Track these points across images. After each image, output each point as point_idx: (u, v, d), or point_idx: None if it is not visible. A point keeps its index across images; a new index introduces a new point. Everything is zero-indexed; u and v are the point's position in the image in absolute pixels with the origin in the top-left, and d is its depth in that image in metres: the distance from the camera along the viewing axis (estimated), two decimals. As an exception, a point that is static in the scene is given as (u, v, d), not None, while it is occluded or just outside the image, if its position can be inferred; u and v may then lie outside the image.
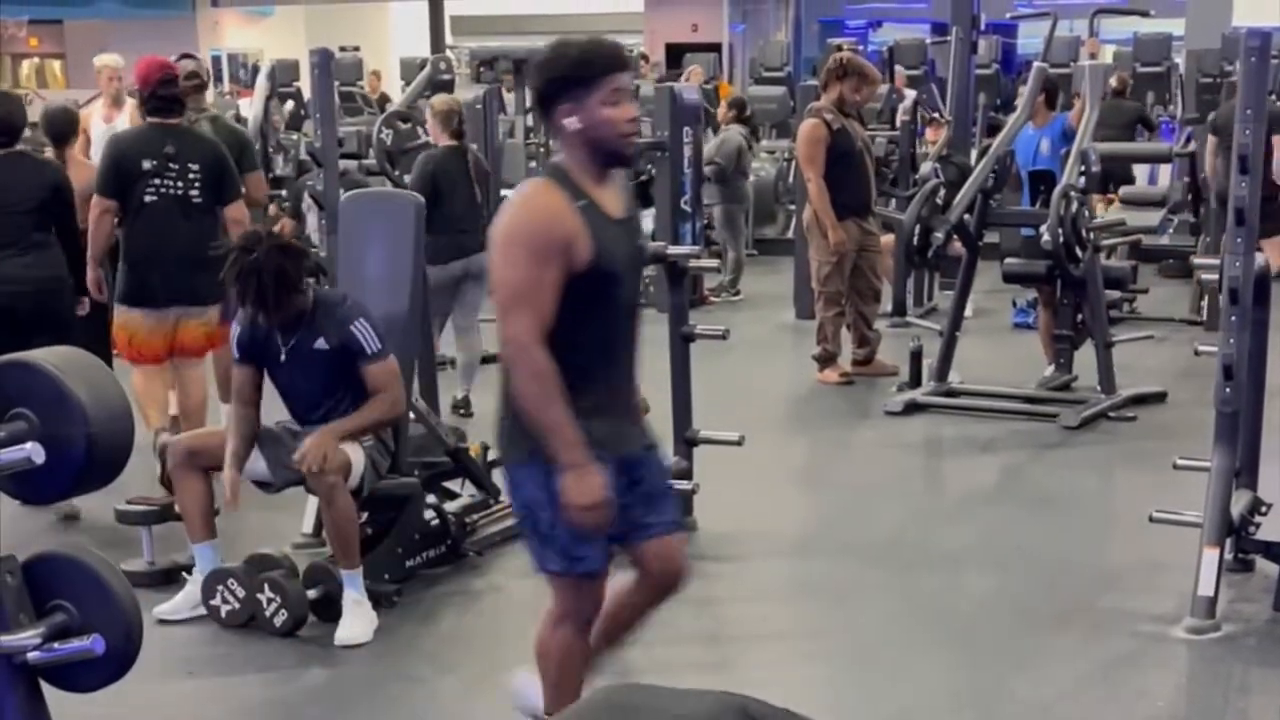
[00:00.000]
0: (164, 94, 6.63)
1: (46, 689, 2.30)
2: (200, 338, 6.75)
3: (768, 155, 14.88)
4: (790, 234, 12.63)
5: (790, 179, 13.31)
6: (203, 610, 5.18)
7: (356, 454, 5.09)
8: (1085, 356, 8.37)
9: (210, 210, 6.65)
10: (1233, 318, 5.22)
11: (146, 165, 6.52)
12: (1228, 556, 5.26)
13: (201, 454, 5.15)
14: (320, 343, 5.04)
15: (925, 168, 9.32)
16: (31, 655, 2.21)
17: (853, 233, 8.71)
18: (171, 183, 6.55)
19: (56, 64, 28.00)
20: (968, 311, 9.01)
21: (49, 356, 2.22)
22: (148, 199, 6.52)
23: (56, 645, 2.22)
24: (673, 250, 6.21)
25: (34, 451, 2.12)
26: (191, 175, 6.58)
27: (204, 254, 6.15)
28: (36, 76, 27.61)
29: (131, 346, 6.67)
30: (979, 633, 5.05)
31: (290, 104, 14.96)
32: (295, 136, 13.35)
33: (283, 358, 5.09)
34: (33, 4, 23.70)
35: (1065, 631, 5.12)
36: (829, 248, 8.66)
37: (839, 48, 13.08)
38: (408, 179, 8.66)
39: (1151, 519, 5.39)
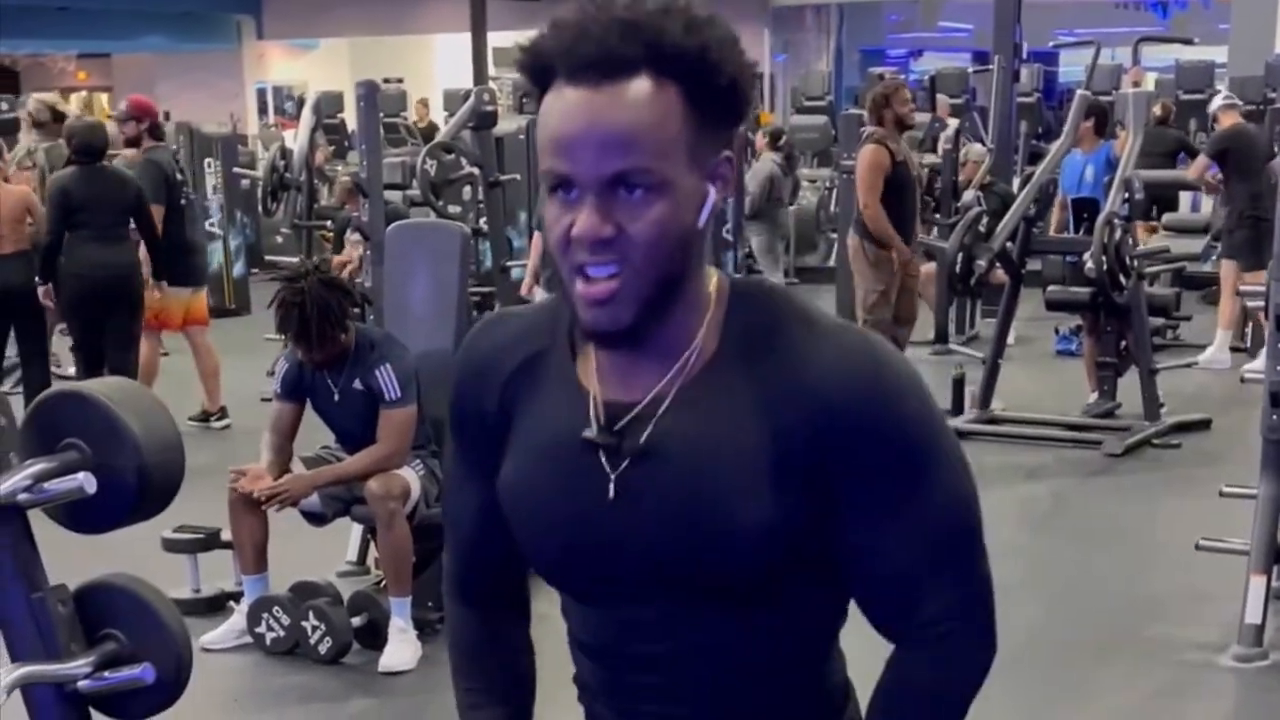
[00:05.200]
0: (161, 125, 8.76)
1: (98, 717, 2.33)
2: (205, 308, 8.68)
3: (809, 184, 14.88)
4: (832, 262, 12.63)
5: (832, 207, 13.31)
6: (248, 638, 5.21)
7: (414, 480, 5.11)
8: (1129, 383, 8.33)
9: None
10: (1279, 344, 5.19)
11: (179, 177, 8.41)
12: (1275, 584, 5.22)
13: None
14: (358, 383, 5.07)
15: (968, 196, 9.33)
16: (82, 684, 2.23)
17: (901, 260, 8.68)
18: (190, 190, 8.75)
19: (104, 97, 28.29)
20: (1010, 339, 8.99)
21: (101, 387, 2.24)
22: (183, 202, 8.38)
23: (107, 674, 2.23)
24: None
25: (86, 481, 2.15)
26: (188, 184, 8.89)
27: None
28: (84, 109, 27.90)
29: (159, 319, 8.26)
30: (1024, 663, 5.02)
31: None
32: (340, 168, 13.46)
33: (336, 398, 5.12)
34: (81, 38, 23.96)
35: (1111, 661, 5.10)
36: (876, 276, 8.61)
37: (880, 77, 13.10)
38: (452, 209, 8.73)
39: (1198, 546, 5.36)
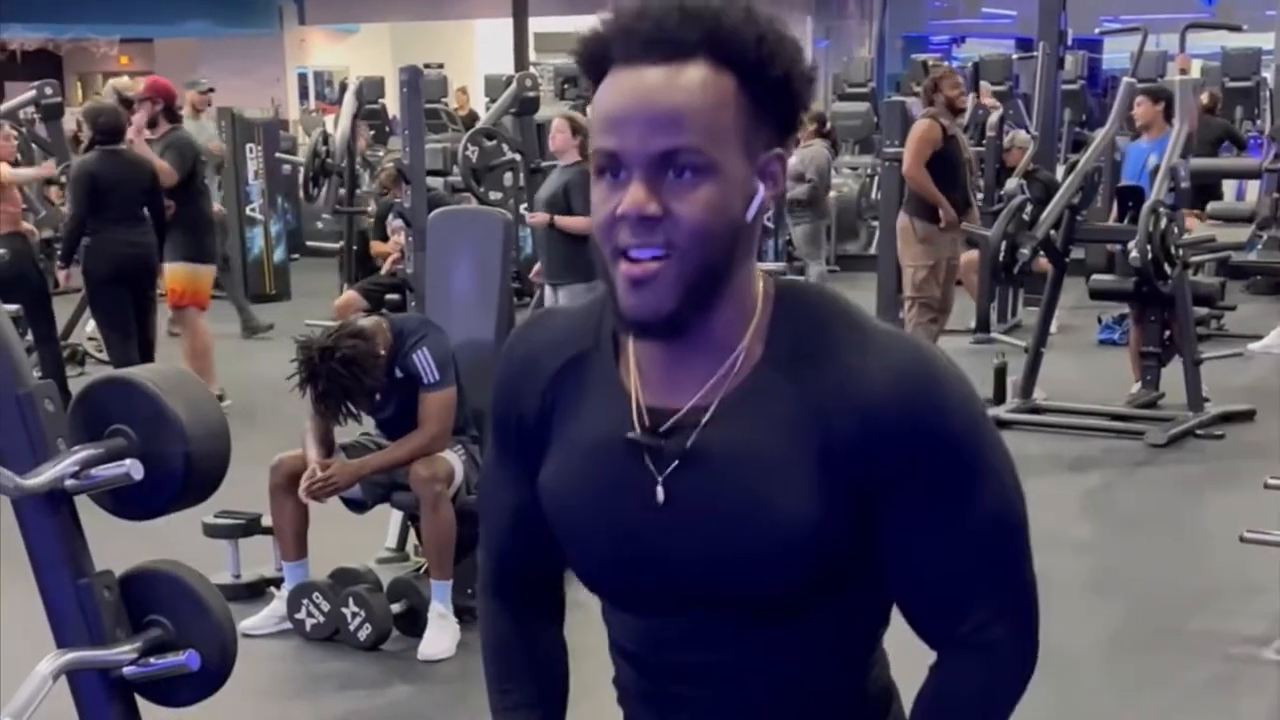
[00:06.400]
0: (178, 107, 9.08)
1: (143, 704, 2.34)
2: (209, 289, 8.90)
3: (850, 171, 14.83)
4: (873, 250, 12.58)
5: (873, 194, 13.27)
6: (288, 624, 5.23)
7: (457, 464, 5.11)
8: (1172, 373, 8.28)
9: None
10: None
11: (204, 157, 8.90)
12: (1321, 579, 5.19)
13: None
14: (398, 371, 5.06)
15: (1011, 184, 9.28)
16: (127, 670, 2.24)
17: (944, 242, 8.62)
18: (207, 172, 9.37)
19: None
20: (1053, 327, 8.94)
21: (148, 374, 2.24)
22: (204, 182, 8.84)
23: (152, 660, 2.23)
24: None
25: (133, 468, 2.15)
26: (204, 165, 9.06)
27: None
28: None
29: (188, 295, 8.56)
30: (1067, 655, 4.99)
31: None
32: (381, 153, 13.45)
33: (377, 396, 5.12)
34: (124, 23, 24.03)
35: (1156, 654, 5.06)
36: (924, 252, 8.56)
37: (924, 64, 13.02)
38: (494, 195, 8.74)
39: (1242, 539, 5.31)
